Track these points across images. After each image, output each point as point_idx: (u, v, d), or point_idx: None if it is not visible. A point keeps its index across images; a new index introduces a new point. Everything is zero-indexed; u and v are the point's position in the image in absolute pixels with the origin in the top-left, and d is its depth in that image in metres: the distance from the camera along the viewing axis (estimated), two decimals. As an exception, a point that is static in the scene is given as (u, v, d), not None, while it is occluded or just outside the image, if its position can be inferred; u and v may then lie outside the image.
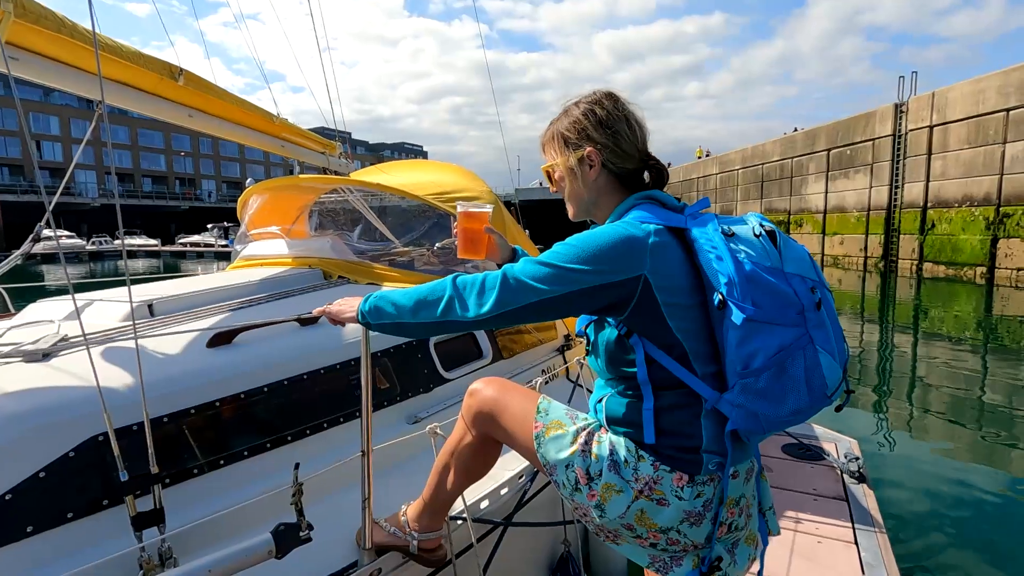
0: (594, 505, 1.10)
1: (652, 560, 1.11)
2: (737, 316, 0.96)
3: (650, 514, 1.06)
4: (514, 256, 1.52)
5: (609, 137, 1.15)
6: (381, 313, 1.17)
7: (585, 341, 1.22)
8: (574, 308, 1.06)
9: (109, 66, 1.87)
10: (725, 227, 1.04)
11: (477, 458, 1.37)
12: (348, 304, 1.26)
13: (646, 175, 1.19)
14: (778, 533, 1.25)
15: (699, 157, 27.94)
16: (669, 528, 1.05)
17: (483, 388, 1.32)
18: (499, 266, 1.47)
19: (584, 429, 1.17)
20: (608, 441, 1.13)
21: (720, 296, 0.98)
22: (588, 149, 1.15)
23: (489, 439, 1.34)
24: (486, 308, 1.05)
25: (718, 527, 1.06)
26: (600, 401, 1.19)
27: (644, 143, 1.18)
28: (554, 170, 1.22)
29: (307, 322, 1.93)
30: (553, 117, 1.24)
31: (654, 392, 1.07)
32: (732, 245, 1.01)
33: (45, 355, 1.54)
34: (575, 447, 1.15)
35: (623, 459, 1.09)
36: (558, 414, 1.23)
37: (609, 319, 1.11)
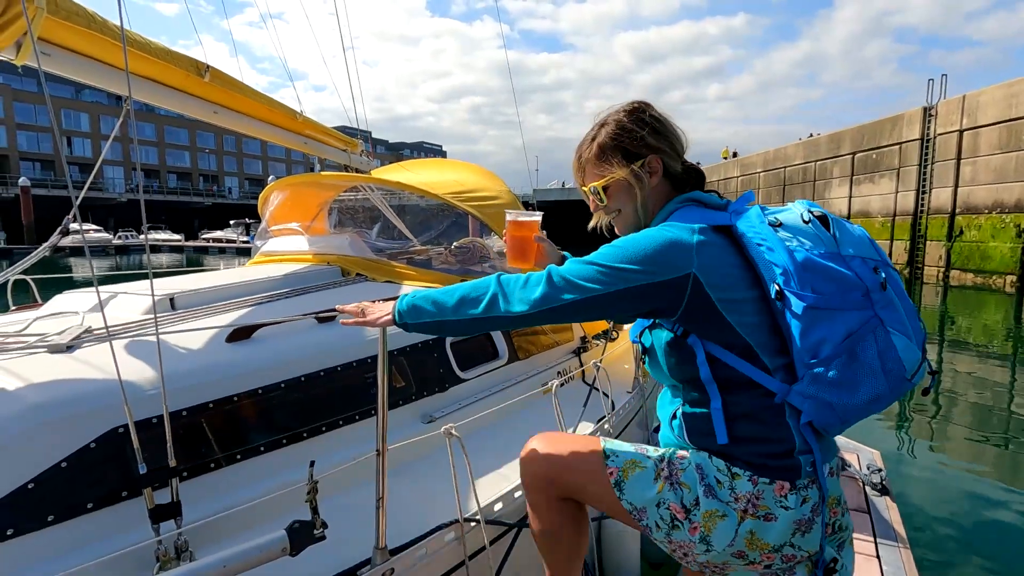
0: (698, 539, 1.02)
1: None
2: (797, 305, 0.95)
3: (760, 534, 0.99)
4: (563, 263, 1.46)
5: (664, 142, 1.16)
6: (420, 312, 1.13)
7: (640, 349, 1.20)
8: (620, 307, 1.04)
9: (137, 62, 1.90)
10: (771, 217, 1.03)
11: (567, 527, 1.23)
12: (379, 308, 1.21)
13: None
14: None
15: (725, 158, 27.57)
16: (782, 544, 0.99)
17: (534, 451, 1.22)
18: None
19: (664, 459, 1.11)
20: (693, 465, 1.07)
21: (777, 287, 0.97)
22: (651, 156, 1.15)
23: (566, 502, 1.22)
24: (530, 304, 1.03)
25: (824, 528, 1.01)
26: (674, 417, 1.13)
27: (684, 145, 1.20)
28: (610, 184, 1.18)
29: (325, 319, 1.94)
30: (585, 135, 1.23)
31: (723, 392, 1.04)
32: (781, 234, 1.00)
33: (69, 347, 1.57)
34: (661, 481, 1.08)
35: (715, 480, 1.03)
36: (629, 452, 1.16)
37: (663, 322, 1.09)
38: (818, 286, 0.95)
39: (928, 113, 16.25)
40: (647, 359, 1.18)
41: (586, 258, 1.05)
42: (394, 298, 1.21)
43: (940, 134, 15.80)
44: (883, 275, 1.00)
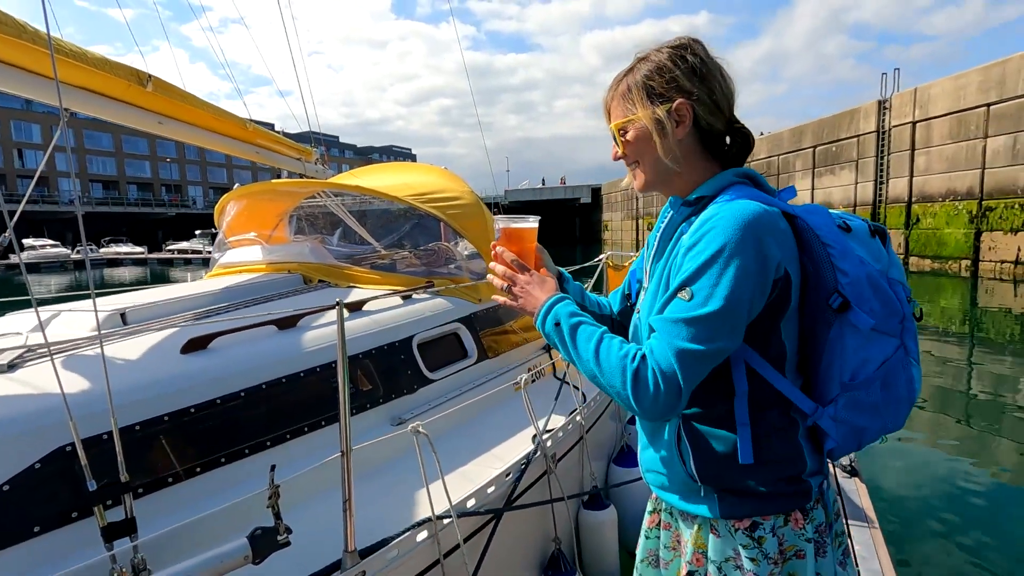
0: None
1: None
2: (864, 322, 0.88)
3: (800, 572, 0.94)
4: (562, 278, 1.19)
5: (702, 87, 0.95)
6: (554, 336, 1.00)
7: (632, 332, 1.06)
8: (743, 330, 0.90)
9: (73, 72, 1.83)
10: (841, 221, 0.94)
11: None
12: (534, 297, 1.05)
13: (727, 140, 1.01)
14: None
15: None
16: (816, 573, 0.95)
17: None
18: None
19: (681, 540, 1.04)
20: (718, 561, 0.96)
21: (843, 298, 0.88)
22: (679, 101, 0.94)
23: None
24: (681, 404, 0.87)
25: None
26: (679, 440, 0.98)
27: (734, 101, 1.00)
28: (628, 127, 0.99)
29: (286, 325, 1.89)
30: (620, 70, 1.02)
31: (753, 405, 0.93)
32: (851, 241, 0.92)
33: (10, 366, 1.50)
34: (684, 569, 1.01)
35: (750, 559, 0.94)
36: (642, 545, 1.13)
37: None
38: (875, 305, 0.90)
39: (883, 106, 16.81)
40: None
41: (685, 312, 0.86)
42: (550, 290, 1.05)
43: (895, 126, 16.37)
44: (915, 305, 0.95)
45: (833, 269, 0.89)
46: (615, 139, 1.03)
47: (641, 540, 1.15)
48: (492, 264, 1.12)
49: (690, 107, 0.95)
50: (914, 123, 15.71)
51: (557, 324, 0.99)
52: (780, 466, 0.94)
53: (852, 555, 1.16)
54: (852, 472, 2.77)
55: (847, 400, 0.91)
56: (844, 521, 1.09)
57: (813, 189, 19.84)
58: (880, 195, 17.08)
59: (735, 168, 0.99)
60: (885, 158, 16.81)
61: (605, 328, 0.97)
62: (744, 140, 1.00)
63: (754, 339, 0.92)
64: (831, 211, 0.97)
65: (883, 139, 16.86)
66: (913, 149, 15.80)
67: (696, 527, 1.00)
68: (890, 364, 0.91)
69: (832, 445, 0.94)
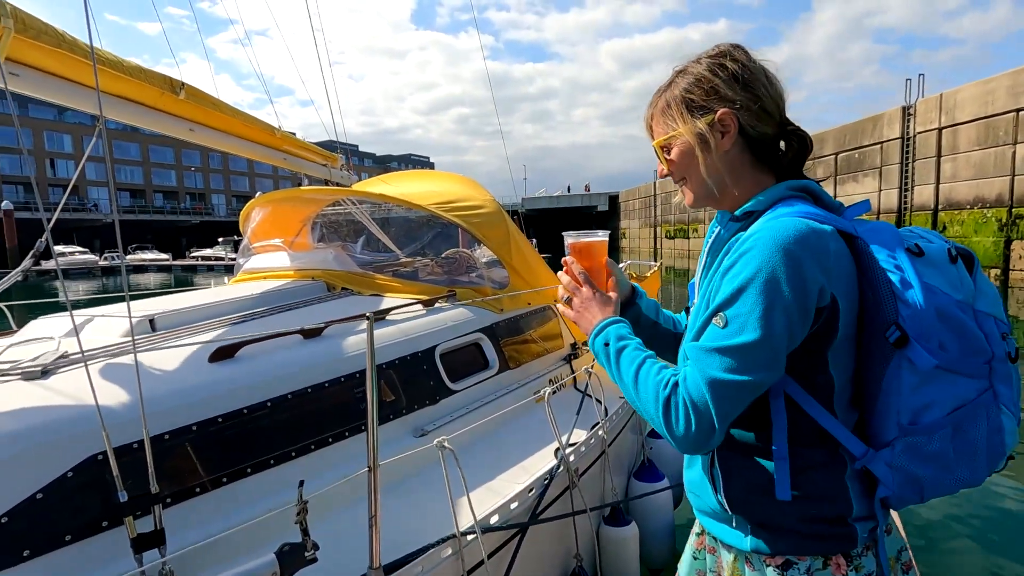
0: None
1: None
2: (925, 361, 0.78)
3: None
4: (636, 293, 1.15)
5: (746, 94, 0.90)
6: (602, 356, 0.98)
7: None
8: (783, 361, 0.83)
9: (109, 80, 1.88)
10: (911, 243, 0.84)
11: None
12: (592, 314, 1.02)
13: (782, 144, 0.96)
14: None
15: None
16: None
17: None
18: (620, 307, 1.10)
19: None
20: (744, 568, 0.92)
21: (901, 331, 0.78)
22: (721, 111, 0.90)
23: None
24: (714, 438, 0.82)
25: None
26: (712, 465, 0.93)
27: (784, 103, 0.95)
28: (671, 144, 0.96)
29: (311, 334, 1.90)
30: (658, 87, 0.99)
31: (792, 443, 0.86)
32: (920, 266, 0.81)
33: (44, 372, 1.52)
34: None
35: None
36: (688, 564, 1.08)
37: None
38: (946, 341, 0.79)
39: (907, 112, 16.51)
40: None
41: (720, 340, 0.81)
42: (609, 310, 1.02)
43: (919, 132, 16.06)
44: (1012, 345, 0.84)
45: (894, 298, 0.80)
46: (659, 157, 1.00)
47: (687, 559, 1.11)
48: (560, 273, 1.10)
49: (734, 116, 0.90)
50: (940, 129, 15.40)
51: (606, 344, 0.96)
52: (820, 504, 0.86)
53: None
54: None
55: (905, 446, 0.82)
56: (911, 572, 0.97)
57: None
58: (905, 203, 16.74)
59: (791, 180, 0.93)
60: (910, 165, 16.50)
61: (651, 353, 0.93)
62: (801, 143, 0.95)
63: (796, 370, 0.85)
64: (912, 230, 0.89)
65: (908, 145, 16.56)
66: (939, 155, 15.48)
67: (733, 556, 0.95)
68: (967, 410, 0.81)
69: (885, 493, 0.85)
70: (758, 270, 0.79)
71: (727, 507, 0.92)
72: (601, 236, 1.09)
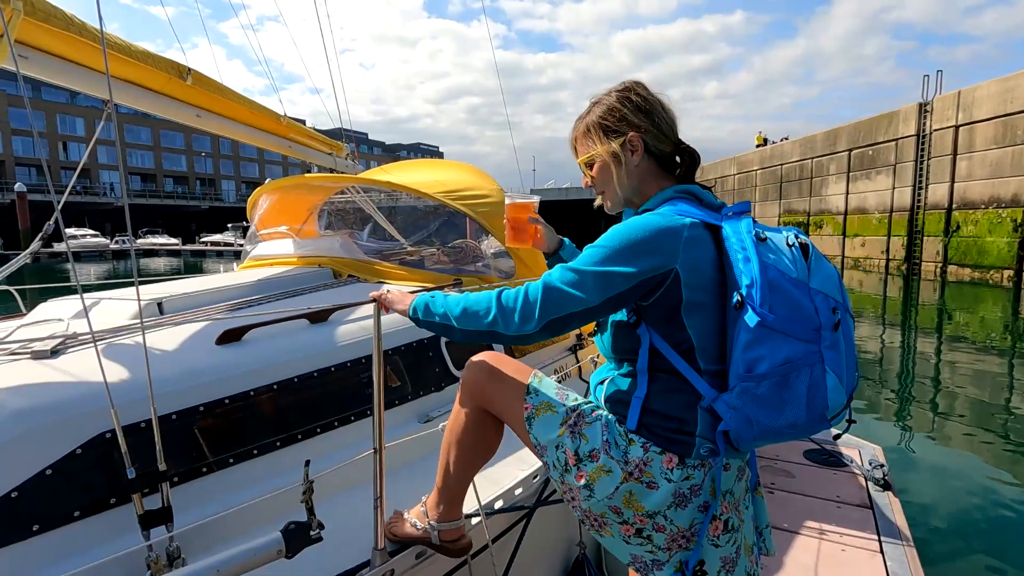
0: (583, 485, 1.10)
1: (633, 559, 1.11)
2: (751, 319, 0.97)
3: (638, 496, 1.06)
4: (561, 246, 1.54)
5: (647, 120, 1.16)
6: (431, 312, 1.19)
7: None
8: (615, 309, 1.08)
9: (117, 65, 1.88)
10: (759, 231, 1.05)
11: (477, 436, 1.33)
12: (403, 297, 1.29)
13: (677, 159, 1.20)
14: (773, 554, 1.24)
15: (758, 145, 27.12)
16: (656, 512, 1.06)
17: (477, 363, 1.31)
18: (546, 256, 1.55)
19: (575, 410, 1.18)
20: (600, 422, 1.14)
21: (739, 297, 0.99)
22: (631, 134, 1.16)
23: (487, 416, 1.31)
24: (531, 324, 1.07)
25: (711, 522, 1.06)
26: (602, 383, 1.20)
27: (676, 126, 1.21)
28: (593, 161, 1.22)
29: (317, 319, 1.91)
30: (578, 115, 1.26)
31: (651, 377, 1.10)
32: (761, 249, 1.01)
33: (53, 352, 1.54)
34: (564, 428, 1.16)
35: (613, 441, 1.11)
36: (548, 394, 1.22)
37: None
38: (776, 307, 0.98)
39: (924, 109, 16.27)
40: (597, 331, 1.23)
41: (574, 263, 1.07)
42: (417, 291, 1.27)
43: (936, 130, 15.83)
44: (839, 317, 1.02)
45: (740, 272, 1.00)
46: (583, 171, 1.25)
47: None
48: (372, 293, 1.37)
49: (640, 138, 1.16)
50: (957, 127, 15.16)
51: (427, 305, 1.19)
52: (672, 420, 1.07)
53: (756, 563, 1.16)
54: (885, 486, 2.68)
55: (741, 390, 1.00)
56: (746, 525, 1.14)
57: (848, 194, 19.32)
58: (919, 201, 16.54)
59: (679, 185, 1.16)
60: (925, 163, 16.28)
61: None
62: (691, 157, 1.20)
63: (658, 325, 1.07)
64: (781, 229, 1.09)
65: (923, 143, 16.32)
66: (955, 154, 15.25)
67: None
68: (793, 365, 0.98)
69: (726, 428, 1.02)
70: (615, 235, 1.05)
71: (606, 409, 1.18)
72: (532, 199, 1.50)
